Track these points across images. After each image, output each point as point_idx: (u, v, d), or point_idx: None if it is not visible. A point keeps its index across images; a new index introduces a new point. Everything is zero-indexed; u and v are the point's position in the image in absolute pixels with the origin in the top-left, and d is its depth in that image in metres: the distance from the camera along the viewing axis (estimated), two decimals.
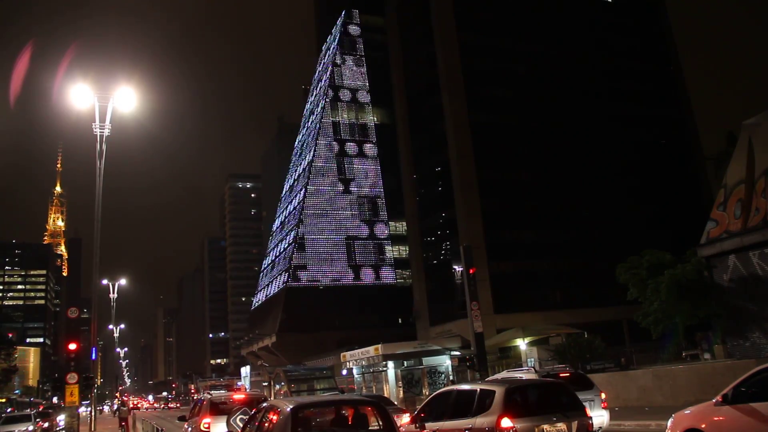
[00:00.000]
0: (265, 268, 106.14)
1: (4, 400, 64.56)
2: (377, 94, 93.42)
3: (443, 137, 63.15)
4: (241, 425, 10.56)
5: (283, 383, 40.01)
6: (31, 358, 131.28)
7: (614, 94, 67.91)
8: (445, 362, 44.12)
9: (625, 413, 19.52)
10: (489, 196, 59.37)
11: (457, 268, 50.84)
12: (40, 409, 43.12)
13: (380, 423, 8.40)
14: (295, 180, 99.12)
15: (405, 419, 12.91)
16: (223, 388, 50.69)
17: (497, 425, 9.44)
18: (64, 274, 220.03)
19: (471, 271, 30.68)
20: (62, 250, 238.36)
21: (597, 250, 57.70)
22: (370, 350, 45.59)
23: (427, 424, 11.11)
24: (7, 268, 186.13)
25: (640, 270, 33.15)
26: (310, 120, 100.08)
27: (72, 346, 25.51)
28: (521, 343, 41.75)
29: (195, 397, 48.66)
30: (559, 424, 9.71)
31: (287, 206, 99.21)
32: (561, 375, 16.63)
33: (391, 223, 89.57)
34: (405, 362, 44.21)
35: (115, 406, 71.33)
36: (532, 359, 35.75)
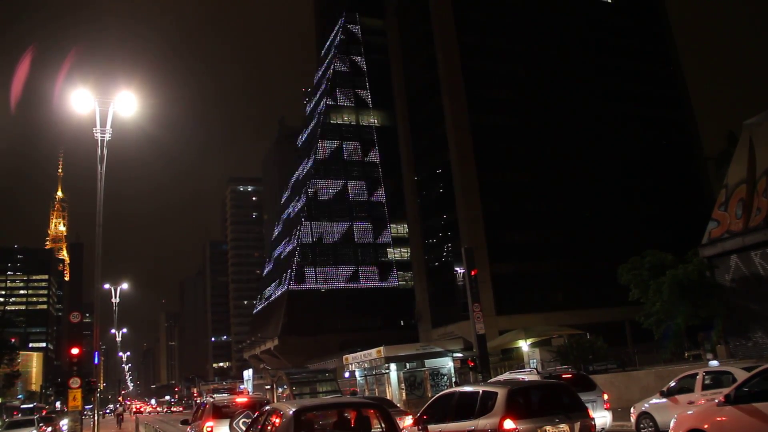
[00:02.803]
0: (266, 272, 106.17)
1: None
2: (378, 97, 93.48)
3: (444, 139, 63.18)
4: (244, 428, 10.57)
5: (285, 386, 40.00)
6: (33, 363, 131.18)
7: (615, 95, 67.91)
8: (447, 364, 43.98)
9: (628, 414, 19.49)
10: (490, 198, 59.37)
11: (459, 270, 50.90)
12: (44, 414, 43.13)
13: (383, 425, 8.41)
14: (296, 183, 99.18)
15: (408, 421, 12.92)
16: (226, 392, 50.86)
17: (500, 427, 9.44)
18: (66, 278, 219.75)
19: (473, 273, 30.71)
20: (64, 254, 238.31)
21: (598, 250, 57.61)
22: (373, 353, 45.48)
23: (429, 426, 11.11)
24: (9, 273, 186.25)
25: (641, 270, 33.08)
26: (311, 123, 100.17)
27: (74, 351, 25.53)
28: (523, 345, 41.68)
29: (198, 401, 48.69)
30: (561, 426, 9.72)
31: (288, 209, 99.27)
32: (563, 376, 16.67)
33: (393, 226, 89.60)
34: (407, 364, 44.07)
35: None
36: (535, 360, 35.71)
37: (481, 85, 63.24)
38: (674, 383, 15.75)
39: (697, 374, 15.15)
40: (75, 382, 24.64)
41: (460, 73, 63.10)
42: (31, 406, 53.42)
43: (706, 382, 14.62)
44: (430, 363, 44.05)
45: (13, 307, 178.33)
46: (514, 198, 60.57)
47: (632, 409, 16.67)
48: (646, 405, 16.15)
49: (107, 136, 25.83)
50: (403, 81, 74.28)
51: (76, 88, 25.18)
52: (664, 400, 15.48)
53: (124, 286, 55.59)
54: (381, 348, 44.34)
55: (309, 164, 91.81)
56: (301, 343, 77.61)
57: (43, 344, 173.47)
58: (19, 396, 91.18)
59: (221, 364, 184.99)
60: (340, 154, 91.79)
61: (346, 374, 50.63)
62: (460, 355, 43.69)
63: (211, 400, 17.67)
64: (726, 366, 16.29)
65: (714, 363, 20.78)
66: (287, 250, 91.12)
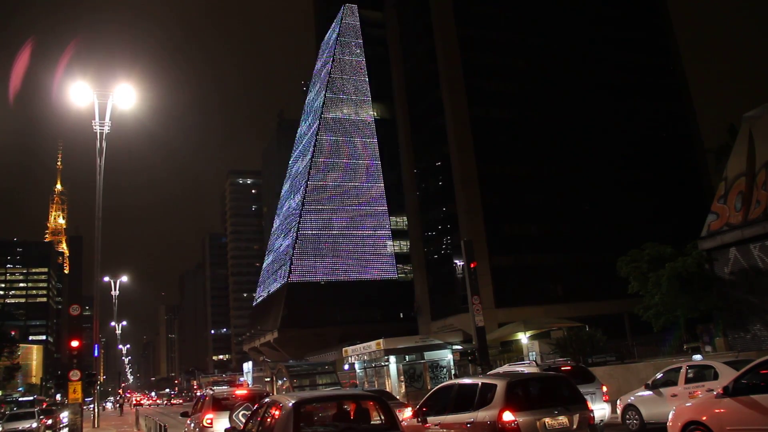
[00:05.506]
0: (266, 264, 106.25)
1: None
2: (377, 89, 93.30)
3: (443, 131, 63.11)
4: (244, 421, 10.59)
5: (285, 379, 40.09)
6: (33, 356, 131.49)
7: (615, 88, 67.77)
8: (446, 356, 44.17)
9: None
10: (489, 190, 59.35)
11: (458, 263, 50.88)
12: (44, 407, 43.21)
13: (382, 417, 8.44)
14: (295, 176, 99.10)
15: (407, 413, 12.95)
16: (226, 384, 50.94)
17: (499, 419, 9.47)
18: (66, 271, 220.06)
19: (472, 266, 30.63)
20: (63, 247, 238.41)
21: (598, 243, 57.68)
22: (372, 345, 45.66)
23: (429, 418, 11.14)
24: (8, 266, 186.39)
25: (641, 263, 33.11)
26: (310, 115, 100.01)
27: (74, 344, 25.50)
28: (523, 337, 41.79)
29: (197, 393, 48.79)
30: (560, 418, 9.75)
31: (288, 202, 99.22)
32: (562, 368, 16.68)
33: (392, 218, 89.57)
34: (407, 357, 44.28)
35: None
36: (534, 353, 35.75)
37: (480, 78, 63.12)
38: (660, 376, 15.95)
39: (680, 368, 15.37)
40: (75, 374, 24.64)
41: (459, 66, 62.95)
42: (31, 398, 53.42)
43: (689, 375, 14.86)
44: (429, 355, 44.24)
45: (12, 300, 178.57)
46: (514, 190, 60.54)
47: (618, 401, 16.80)
48: (632, 397, 16.32)
49: (106, 129, 25.83)
50: (403, 73, 74.11)
51: (75, 80, 25.18)
52: (649, 392, 15.69)
53: (124, 278, 55.84)
54: (380, 340, 44.51)
55: (308, 157, 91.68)
56: (300, 335, 77.74)
57: (43, 337, 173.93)
58: (20, 389, 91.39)
59: (221, 357, 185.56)
60: (339, 146, 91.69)
61: (346, 366, 50.79)
62: (459, 347, 43.84)
63: (211, 392, 17.68)
64: (709, 360, 16.53)
65: (697, 357, 21.01)
66: (287, 242, 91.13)
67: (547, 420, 9.65)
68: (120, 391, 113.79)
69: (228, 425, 11.19)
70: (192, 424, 17.33)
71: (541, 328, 43.61)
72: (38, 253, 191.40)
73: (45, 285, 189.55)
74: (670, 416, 10.58)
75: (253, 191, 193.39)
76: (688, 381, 14.73)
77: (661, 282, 29.96)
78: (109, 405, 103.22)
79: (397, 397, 31.39)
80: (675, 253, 31.85)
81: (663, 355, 30.83)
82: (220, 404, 15.91)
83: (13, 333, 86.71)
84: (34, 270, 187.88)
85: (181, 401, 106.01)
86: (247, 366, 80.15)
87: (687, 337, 33.08)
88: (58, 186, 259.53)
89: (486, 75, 63.57)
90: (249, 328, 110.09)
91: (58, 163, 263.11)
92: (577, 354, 29.05)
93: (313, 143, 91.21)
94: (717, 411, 9.42)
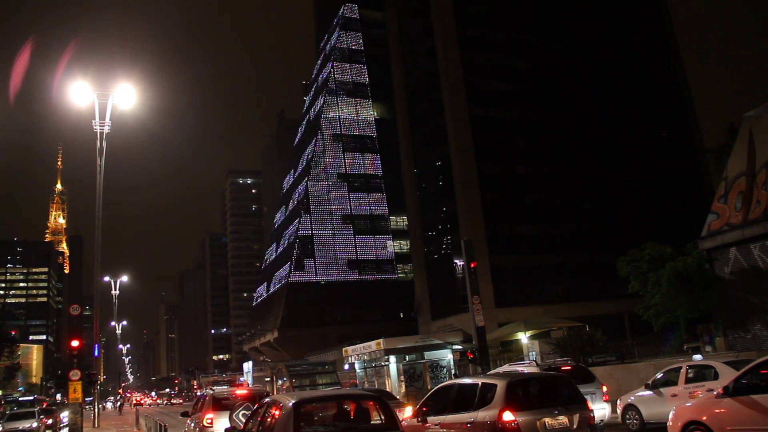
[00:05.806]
0: (266, 264, 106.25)
1: None
2: (377, 89, 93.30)
3: (443, 131, 63.08)
4: (244, 421, 10.59)
5: (285, 378, 40.13)
6: (34, 356, 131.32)
7: (615, 87, 67.74)
8: (446, 356, 44.19)
9: None
10: (490, 190, 59.32)
11: (458, 262, 50.87)
12: (44, 406, 43.21)
13: (382, 417, 8.44)
14: (295, 175, 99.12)
15: (407, 413, 12.96)
16: (226, 384, 50.94)
17: (499, 419, 9.46)
18: (66, 271, 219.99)
19: (472, 265, 30.63)
20: (64, 247, 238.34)
21: (598, 243, 57.69)
22: (372, 345, 45.68)
23: (429, 418, 11.14)
24: (9, 265, 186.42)
25: (641, 263, 33.12)
26: (311, 115, 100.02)
27: (74, 343, 25.48)
28: (523, 337, 41.79)
29: (197, 393, 48.82)
30: (560, 418, 9.74)
31: (288, 202, 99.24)
32: (562, 368, 16.69)
33: (392, 218, 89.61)
34: (407, 356, 44.30)
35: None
36: (534, 353, 35.76)
37: (480, 78, 63.06)
38: (660, 376, 15.95)
39: (681, 368, 15.37)
40: (75, 374, 24.62)
41: (459, 66, 62.91)
42: (32, 398, 53.41)
43: (689, 375, 14.86)
44: (429, 355, 44.26)
45: (13, 300, 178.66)
46: (514, 190, 60.53)
47: (618, 401, 16.81)
48: (632, 397, 16.32)
49: (106, 129, 25.82)
50: (403, 73, 74.07)
51: (75, 80, 25.17)
52: (649, 392, 15.69)
53: (124, 278, 55.82)
54: (380, 340, 44.53)
55: (308, 156, 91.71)
56: (300, 335, 77.76)
57: (44, 337, 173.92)
58: (20, 388, 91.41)
59: (221, 357, 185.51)
60: (339, 145, 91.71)
61: (346, 366, 50.81)
62: (459, 347, 43.84)
63: (211, 392, 17.69)
64: (709, 360, 16.53)
65: (698, 357, 21.00)
66: (287, 242, 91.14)
67: (547, 420, 9.64)
68: (120, 390, 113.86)
69: (228, 425, 11.18)
70: (192, 424, 17.33)
71: (541, 328, 43.58)
72: (38, 253, 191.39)
73: (45, 285, 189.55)
74: (670, 416, 10.58)
75: (253, 191, 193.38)
76: (688, 381, 14.73)
77: (661, 282, 29.97)
78: (109, 405, 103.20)
79: (397, 397, 31.40)
80: (675, 252, 31.85)
81: (663, 355, 30.85)
82: (220, 404, 15.91)
83: (13, 333, 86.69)
84: (34, 270, 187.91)
85: (181, 401, 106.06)
86: (247, 366, 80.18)
87: (687, 336, 33.08)
88: (58, 186, 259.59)
89: (486, 75, 63.50)
90: (249, 328, 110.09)
91: (58, 163, 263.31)
92: (577, 354, 29.05)
93: (313, 143, 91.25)
94: (717, 411, 9.42)
